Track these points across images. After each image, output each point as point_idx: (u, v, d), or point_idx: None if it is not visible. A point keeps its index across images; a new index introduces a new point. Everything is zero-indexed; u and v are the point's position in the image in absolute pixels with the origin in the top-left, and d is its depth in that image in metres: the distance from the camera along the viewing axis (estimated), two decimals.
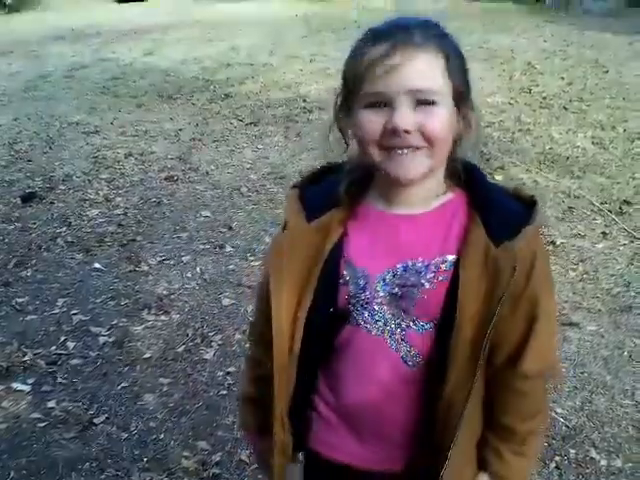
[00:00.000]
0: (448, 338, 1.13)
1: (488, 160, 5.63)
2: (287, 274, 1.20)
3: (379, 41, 1.07)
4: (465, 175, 1.19)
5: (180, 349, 3.23)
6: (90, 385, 3.01)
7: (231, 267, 4.02)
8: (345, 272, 1.19)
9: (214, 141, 6.44)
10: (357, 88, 1.09)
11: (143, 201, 5.02)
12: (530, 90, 7.90)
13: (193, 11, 15.83)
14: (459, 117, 1.14)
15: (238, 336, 3.32)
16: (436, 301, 1.15)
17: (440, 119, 1.08)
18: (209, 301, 3.64)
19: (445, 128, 1.10)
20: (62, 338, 3.35)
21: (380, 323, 1.19)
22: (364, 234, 1.21)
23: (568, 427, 2.71)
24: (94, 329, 3.41)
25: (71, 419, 2.80)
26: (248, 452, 2.54)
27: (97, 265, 4.06)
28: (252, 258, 4.10)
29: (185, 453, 2.62)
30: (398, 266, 1.16)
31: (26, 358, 3.19)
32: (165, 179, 5.46)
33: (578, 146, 5.99)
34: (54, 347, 3.28)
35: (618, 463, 2.53)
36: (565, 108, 7.17)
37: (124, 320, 3.48)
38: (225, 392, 2.94)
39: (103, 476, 2.53)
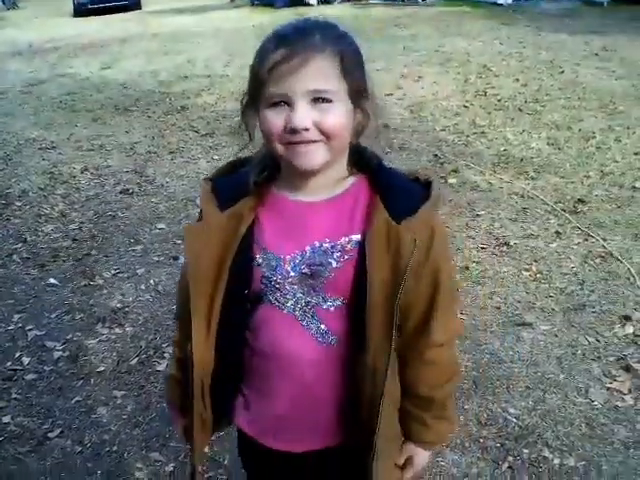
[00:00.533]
0: (362, 311, 1.22)
1: (442, 164, 5.68)
2: (203, 259, 1.28)
3: (280, 45, 1.15)
4: (367, 162, 1.29)
5: (133, 361, 3.25)
6: (44, 400, 3.03)
7: None
8: (257, 255, 1.28)
9: (170, 152, 6.49)
10: (261, 89, 1.18)
11: (98, 215, 5.05)
12: (485, 93, 7.97)
13: (151, 24, 15.80)
14: (357, 110, 1.23)
15: None
16: (344, 278, 1.24)
17: (336, 116, 1.17)
18: (162, 312, 3.66)
19: (341, 123, 1.19)
20: (17, 354, 3.36)
21: (291, 301, 1.28)
22: (274, 220, 1.30)
23: (521, 427, 2.71)
24: (49, 344, 3.44)
25: (26, 434, 2.83)
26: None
27: (52, 280, 4.09)
28: None
29: (138, 465, 2.64)
30: (307, 248, 1.26)
31: None
32: (120, 192, 5.50)
33: (533, 147, 6.04)
34: (9, 363, 3.30)
35: (571, 462, 2.53)
36: (520, 110, 7.23)
37: (78, 334, 3.50)
38: None
39: None
